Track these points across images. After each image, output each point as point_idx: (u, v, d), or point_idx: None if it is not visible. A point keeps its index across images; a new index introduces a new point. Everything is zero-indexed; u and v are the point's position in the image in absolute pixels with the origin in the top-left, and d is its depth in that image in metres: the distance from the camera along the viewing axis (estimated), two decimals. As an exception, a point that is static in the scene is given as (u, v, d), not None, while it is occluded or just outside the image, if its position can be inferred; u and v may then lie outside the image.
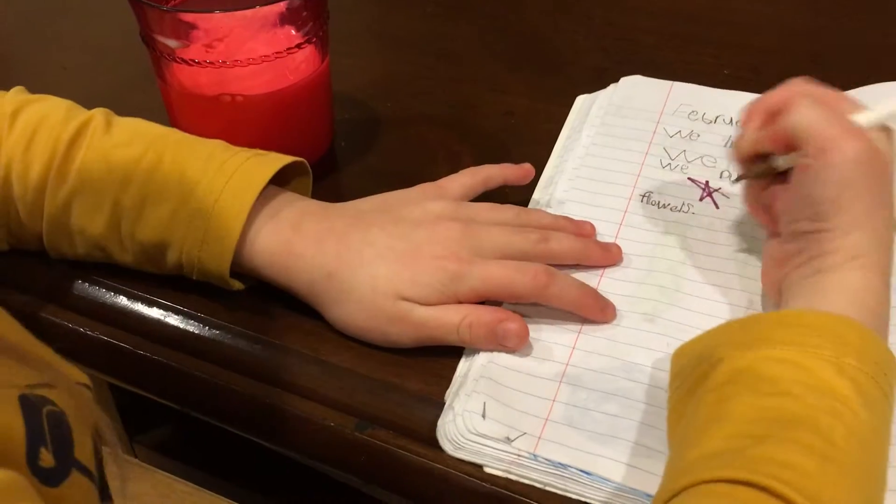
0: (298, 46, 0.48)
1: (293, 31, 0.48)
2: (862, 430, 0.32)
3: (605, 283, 0.45)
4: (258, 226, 0.43)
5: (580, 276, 0.45)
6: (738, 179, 0.46)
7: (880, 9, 0.71)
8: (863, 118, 0.41)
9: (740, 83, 0.59)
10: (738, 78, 0.61)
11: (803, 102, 0.40)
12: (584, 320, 0.43)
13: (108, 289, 0.47)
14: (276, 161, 0.45)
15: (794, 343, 0.34)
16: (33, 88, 0.49)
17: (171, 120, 0.53)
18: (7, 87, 0.48)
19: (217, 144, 0.46)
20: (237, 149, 0.45)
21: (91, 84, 0.64)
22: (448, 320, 0.41)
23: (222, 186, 0.43)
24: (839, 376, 0.32)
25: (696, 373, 0.35)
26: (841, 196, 0.38)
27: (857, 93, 0.56)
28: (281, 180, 0.45)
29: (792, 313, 0.36)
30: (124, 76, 0.64)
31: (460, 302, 0.42)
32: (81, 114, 0.46)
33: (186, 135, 0.47)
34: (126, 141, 0.45)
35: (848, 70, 0.62)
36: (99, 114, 0.46)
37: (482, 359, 0.41)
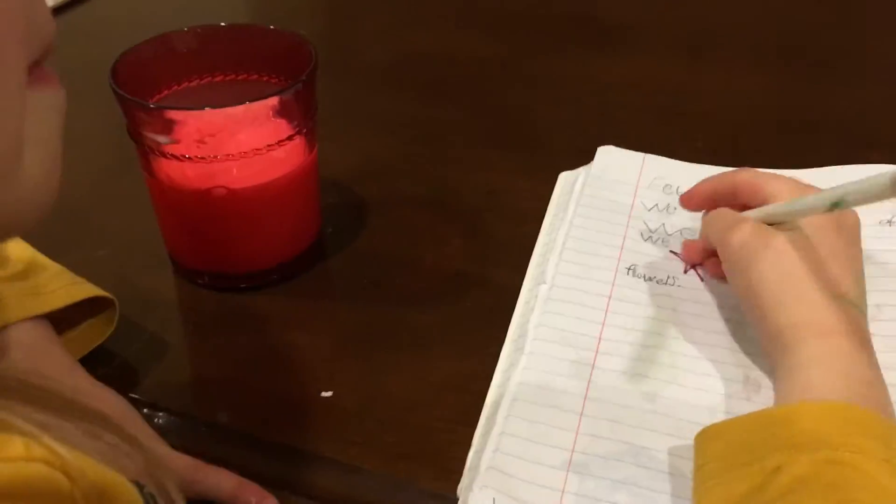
0: (289, 138, 0.49)
1: (284, 124, 0.49)
2: None
3: (601, 360, 0.46)
4: None
5: (578, 354, 0.45)
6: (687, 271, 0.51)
7: (851, 82, 0.73)
8: (751, 213, 0.46)
9: (714, 156, 0.60)
10: (711, 150, 0.63)
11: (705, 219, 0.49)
12: (585, 399, 0.43)
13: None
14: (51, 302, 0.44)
15: (847, 444, 0.34)
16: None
17: (156, 212, 0.53)
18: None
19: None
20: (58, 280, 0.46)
21: (74, 175, 0.63)
22: None
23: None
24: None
25: (748, 475, 0.35)
26: (750, 280, 0.43)
27: (825, 172, 0.58)
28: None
29: (838, 406, 0.36)
30: (106, 165, 0.63)
31: None
32: None
33: None
34: None
35: (820, 143, 0.64)
36: None
37: (490, 447, 0.41)
